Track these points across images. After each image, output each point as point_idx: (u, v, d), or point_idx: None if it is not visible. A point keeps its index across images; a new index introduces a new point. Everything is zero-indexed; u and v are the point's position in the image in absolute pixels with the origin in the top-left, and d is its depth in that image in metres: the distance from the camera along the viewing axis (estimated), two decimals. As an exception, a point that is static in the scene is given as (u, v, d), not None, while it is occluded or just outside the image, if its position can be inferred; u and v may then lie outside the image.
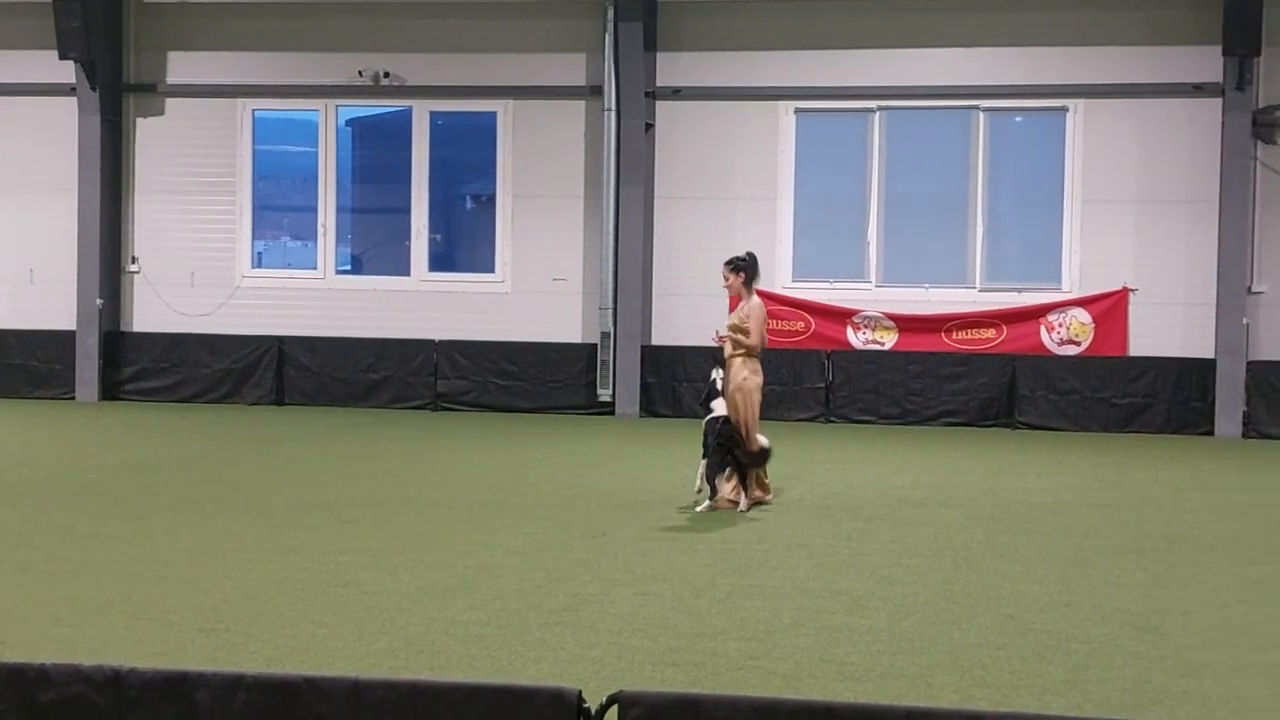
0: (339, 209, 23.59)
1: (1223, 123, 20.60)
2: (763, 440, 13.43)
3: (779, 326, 21.12)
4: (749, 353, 13.69)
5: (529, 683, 5.43)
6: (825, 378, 21.55)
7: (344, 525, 12.28)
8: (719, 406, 13.52)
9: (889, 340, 21.72)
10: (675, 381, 21.97)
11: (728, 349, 13.79)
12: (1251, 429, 20.51)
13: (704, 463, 13.36)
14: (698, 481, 13.44)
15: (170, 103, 23.53)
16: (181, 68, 23.49)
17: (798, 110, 22.10)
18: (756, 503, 13.49)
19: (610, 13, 21.82)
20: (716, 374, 13.87)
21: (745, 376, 13.63)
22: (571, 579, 10.23)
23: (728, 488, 13.37)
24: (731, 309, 20.97)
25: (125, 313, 23.67)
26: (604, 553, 11.25)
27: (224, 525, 12.22)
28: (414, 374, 22.64)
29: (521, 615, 9.13)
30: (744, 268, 13.89)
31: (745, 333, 13.65)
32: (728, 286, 14.21)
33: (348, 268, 23.91)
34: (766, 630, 8.84)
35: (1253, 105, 20.60)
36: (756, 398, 13.69)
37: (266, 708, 4.80)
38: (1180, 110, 21.10)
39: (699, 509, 13.18)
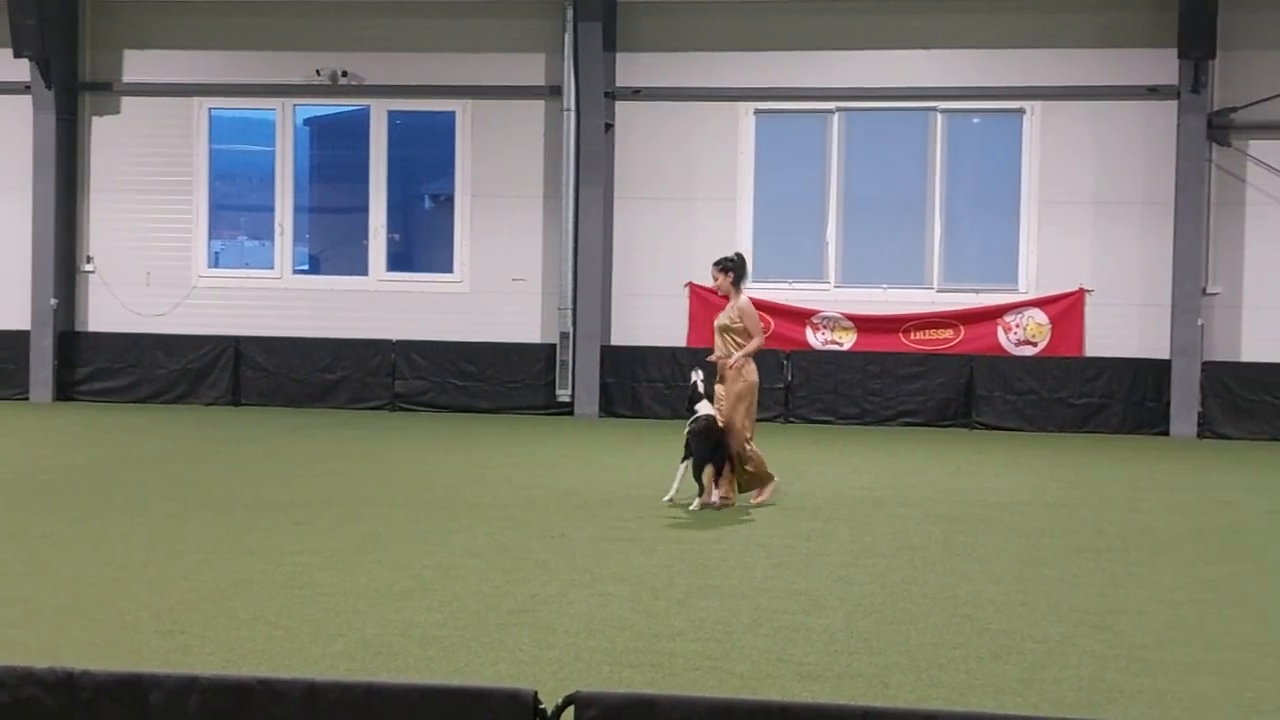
0: (296, 208, 23.49)
1: (1178, 125, 20.73)
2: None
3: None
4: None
5: (485, 684, 5.41)
6: (784, 378, 21.57)
7: (300, 526, 12.23)
8: (703, 408, 13.60)
9: (848, 341, 21.77)
10: (634, 382, 21.96)
11: (718, 353, 13.86)
12: (1206, 429, 20.64)
13: (684, 465, 13.48)
14: (675, 483, 13.51)
15: (126, 101, 23.37)
16: (137, 66, 23.33)
17: (757, 111, 22.13)
18: (728, 503, 13.55)
19: (569, 13, 21.80)
20: (696, 375, 13.93)
21: (748, 374, 13.72)
22: (529, 580, 10.22)
23: (724, 485, 13.45)
24: (701, 311, 21.22)
25: (80, 312, 23.50)
26: (562, 553, 11.24)
27: (180, 526, 12.15)
28: (371, 374, 22.56)
29: (479, 616, 9.11)
30: (733, 268, 14.01)
31: (743, 333, 13.76)
32: (716, 287, 14.30)
33: (305, 267, 23.80)
34: (724, 631, 8.85)
35: (1208, 108, 20.73)
36: (754, 396, 13.83)
37: (221, 710, 4.77)
38: (1136, 112, 21.23)
39: (690, 508, 13.22)
